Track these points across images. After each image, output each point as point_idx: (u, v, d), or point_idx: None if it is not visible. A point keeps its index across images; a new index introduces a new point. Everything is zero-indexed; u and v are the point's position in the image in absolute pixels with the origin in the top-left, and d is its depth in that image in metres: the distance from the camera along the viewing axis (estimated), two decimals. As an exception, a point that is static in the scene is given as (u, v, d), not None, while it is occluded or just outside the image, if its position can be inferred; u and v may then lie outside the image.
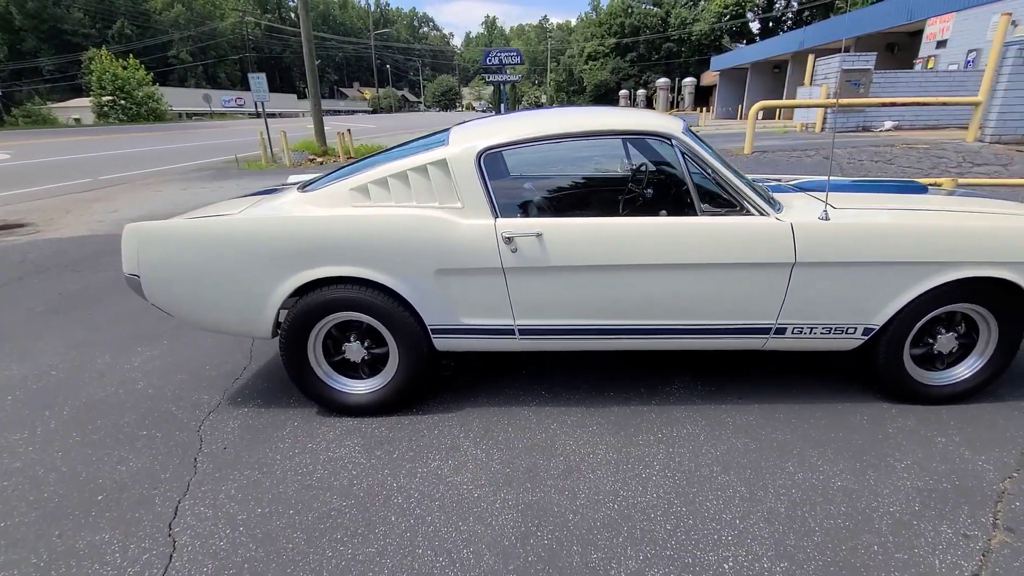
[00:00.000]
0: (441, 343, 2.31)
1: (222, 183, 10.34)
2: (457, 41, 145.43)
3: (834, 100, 8.77)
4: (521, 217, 2.19)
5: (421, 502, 1.86)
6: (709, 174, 2.16)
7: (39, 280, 4.56)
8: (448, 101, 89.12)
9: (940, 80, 11.25)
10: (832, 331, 2.23)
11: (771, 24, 50.74)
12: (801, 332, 2.23)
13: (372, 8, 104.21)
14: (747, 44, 49.16)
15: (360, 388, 2.35)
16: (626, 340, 2.28)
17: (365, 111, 78.70)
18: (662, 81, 18.56)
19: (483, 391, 2.57)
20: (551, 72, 65.19)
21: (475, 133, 2.26)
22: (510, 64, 32.07)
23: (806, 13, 47.13)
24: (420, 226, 2.12)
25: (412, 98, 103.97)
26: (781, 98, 24.41)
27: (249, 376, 2.79)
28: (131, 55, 37.49)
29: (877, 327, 2.20)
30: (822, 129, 10.98)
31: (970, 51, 13.68)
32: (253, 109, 57.11)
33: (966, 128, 9.11)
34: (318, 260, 2.14)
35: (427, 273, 2.15)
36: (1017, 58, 6.58)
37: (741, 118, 27.32)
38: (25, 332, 3.44)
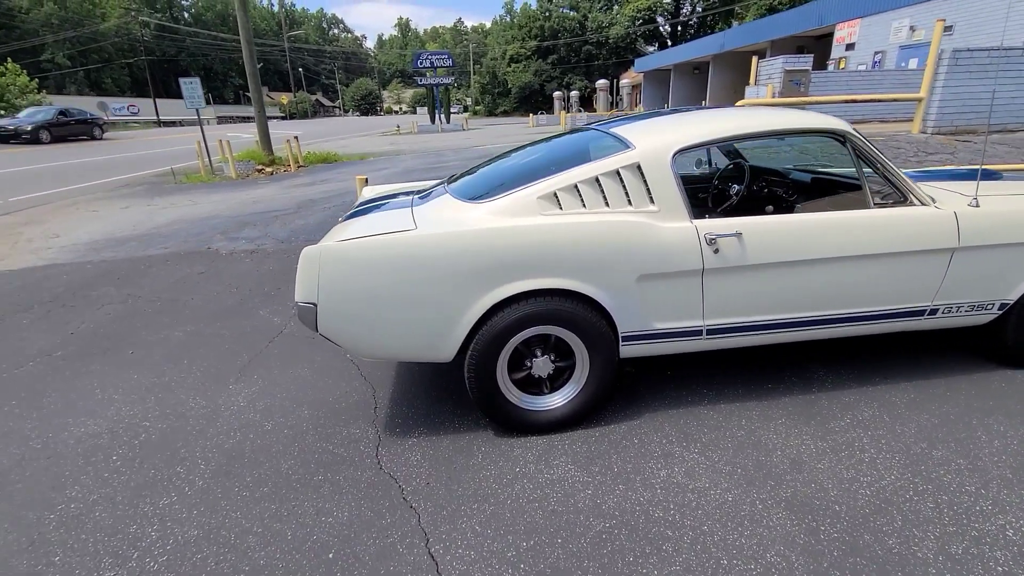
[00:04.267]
0: (628, 350, 2.28)
1: (169, 199, 9.39)
2: (370, 43, 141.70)
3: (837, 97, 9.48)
4: (712, 218, 2.20)
5: (683, 512, 1.83)
6: (879, 168, 2.29)
7: (28, 320, 3.92)
8: (368, 105, 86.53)
9: (862, 79, 12.60)
10: (975, 308, 2.44)
11: (679, 29, 54.07)
12: (950, 311, 2.43)
13: (276, 8, 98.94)
14: (658, 47, 52.08)
15: (552, 403, 2.26)
16: (801, 332, 2.36)
17: (277, 117, 74.52)
18: (601, 82, 19.34)
19: (646, 394, 2.56)
20: (474, 74, 65.31)
21: (658, 133, 2.24)
22: (441, 66, 31.89)
23: (709, 18, 50.68)
24: (625, 232, 2.07)
25: (327, 102, 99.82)
26: (704, 96, 26.17)
27: (387, 404, 2.58)
28: (8, 59, 32.71)
29: (1012, 301, 2.44)
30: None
31: (876, 52, 15.43)
32: (150, 117, 52.26)
33: (888, 122, 10.22)
34: (521, 273, 2.03)
35: (629, 280, 2.11)
36: (951, 59, 7.53)
37: (668, 117, 28.83)
38: (62, 381, 2.95)
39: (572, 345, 2.22)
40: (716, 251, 2.13)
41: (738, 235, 2.13)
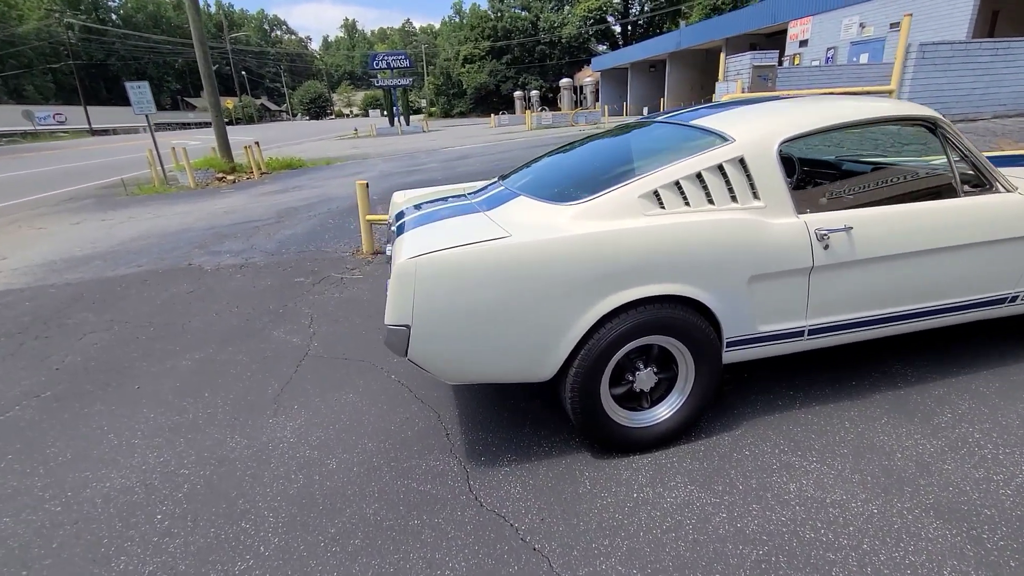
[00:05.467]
0: (731, 355, 2.13)
1: (126, 212, 8.68)
2: (315, 45, 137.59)
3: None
4: (819, 212, 2.08)
5: (834, 531, 1.69)
6: (967, 155, 2.24)
7: None
8: (318, 108, 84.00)
9: (822, 74, 13.12)
10: (1051, 293, 2.44)
11: (629, 28, 55.17)
12: (1030, 298, 2.42)
13: (213, 10, 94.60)
14: (609, 47, 52.98)
15: (658, 416, 2.08)
16: (898, 326, 2.28)
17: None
18: (565, 81, 19.39)
19: (735, 401, 2.42)
20: (428, 76, 64.44)
21: (756, 124, 2.11)
22: (398, 67, 31.24)
23: (657, 18, 51.93)
24: (740, 231, 1.93)
25: (273, 107, 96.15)
26: (663, 94, 26.71)
27: (459, 430, 2.34)
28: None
29: (1083, 285, 2.45)
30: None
31: (828, 48, 16.12)
32: (80, 126, 48.83)
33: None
34: (633, 280, 1.85)
35: (741, 281, 1.97)
36: (919, 53, 7.87)
37: (627, 114, 29.34)
38: (62, 426, 2.55)
39: (676, 354, 2.05)
40: (826, 247, 2.01)
41: (848, 229, 2.03)
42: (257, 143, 13.41)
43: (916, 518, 1.72)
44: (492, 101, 54.20)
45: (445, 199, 2.66)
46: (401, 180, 9.78)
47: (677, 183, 1.97)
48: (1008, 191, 2.27)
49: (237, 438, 2.38)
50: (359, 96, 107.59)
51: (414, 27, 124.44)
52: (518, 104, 28.26)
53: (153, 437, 2.43)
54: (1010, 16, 14.34)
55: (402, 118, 31.30)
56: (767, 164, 2.00)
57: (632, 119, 2.59)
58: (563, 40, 53.02)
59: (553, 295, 1.81)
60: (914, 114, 2.22)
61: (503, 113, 30.25)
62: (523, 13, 55.46)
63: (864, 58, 14.68)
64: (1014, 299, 2.40)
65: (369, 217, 5.06)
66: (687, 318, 1.95)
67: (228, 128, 13.49)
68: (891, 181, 2.31)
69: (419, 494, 1.96)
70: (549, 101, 37.91)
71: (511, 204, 2.19)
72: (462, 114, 59.11)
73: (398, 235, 2.18)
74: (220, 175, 12.22)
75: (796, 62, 17.32)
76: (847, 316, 2.18)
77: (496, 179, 2.81)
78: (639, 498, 1.88)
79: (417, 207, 2.58)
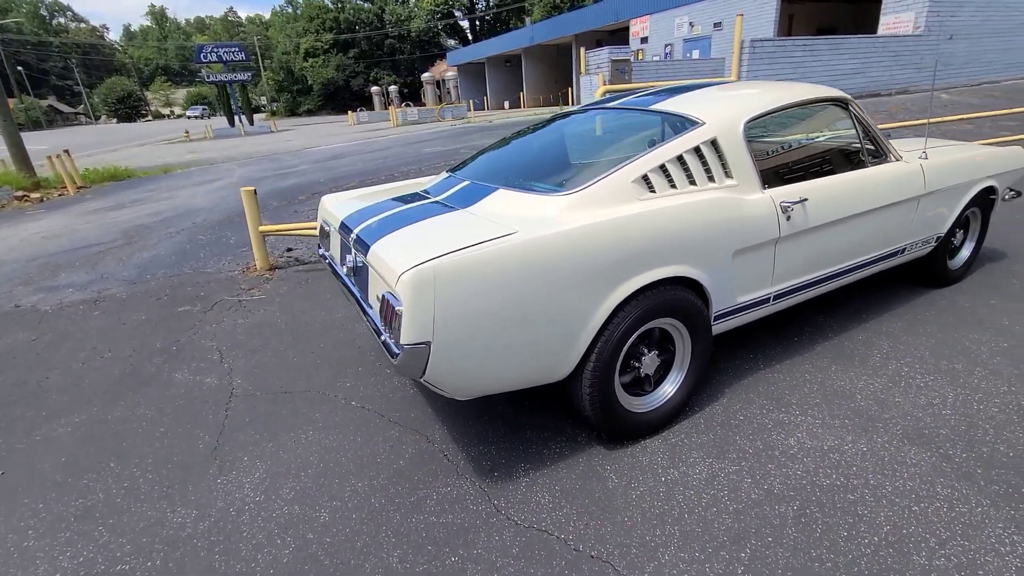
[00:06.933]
0: (716, 327, 2.23)
1: None
2: (114, 35, 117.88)
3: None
4: (778, 187, 2.24)
5: (843, 474, 1.86)
6: (869, 130, 2.59)
7: None
8: (130, 109, 72.22)
9: (667, 67, 14.56)
10: (923, 243, 2.95)
11: (477, 24, 55.94)
12: (912, 249, 2.90)
13: (-36, -12, 76.10)
14: (460, 42, 53.29)
15: (665, 394, 2.11)
16: (835, 282, 2.58)
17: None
18: (427, 76, 19.03)
19: (707, 374, 2.55)
20: (265, 70, 58.80)
21: (719, 106, 2.20)
22: (232, 61, 28.06)
23: (503, 14, 53.38)
24: (725, 209, 2.01)
25: (66, 108, 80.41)
26: (521, 88, 27.58)
27: (455, 449, 2.15)
28: None
29: (943, 234, 3.01)
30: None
31: (666, 45, 17.94)
32: None
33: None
34: (642, 265, 1.83)
35: (727, 257, 2.06)
36: (751, 48, 9.09)
37: (488, 109, 29.80)
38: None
39: (674, 334, 2.09)
40: (788, 218, 2.19)
41: (803, 201, 2.22)
42: (67, 151, 11.08)
43: (897, 449, 1.96)
44: (343, 97, 51.34)
45: (398, 200, 2.40)
46: (275, 185, 8.79)
47: (663, 166, 1.99)
48: (898, 160, 2.68)
49: (181, 510, 1.92)
50: (180, 94, 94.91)
51: (239, 17, 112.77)
52: (376, 100, 27.07)
53: (55, 533, 1.85)
54: (800, 21, 17.30)
55: (244, 117, 28.23)
56: (736, 144, 2.11)
57: (557, 110, 2.60)
58: (412, 34, 52.01)
59: (574, 289, 1.72)
60: (835, 95, 2.52)
61: (361, 110, 28.79)
62: (366, 5, 53.18)
63: (696, 54, 16.65)
64: (903, 251, 2.86)
65: (262, 228, 4.44)
66: (687, 298, 1.99)
67: None
68: (820, 156, 2.60)
69: (443, 527, 1.75)
70: (408, 96, 36.94)
71: (492, 198, 2.03)
72: (310, 112, 55.12)
73: (368, 242, 1.90)
74: (20, 193, 9.89)
75: (640, 57, 19.02)
76: (799, 279, 2.40)
77: (446, 174, 2.61)
78: (668, 481, 1.89)
79: (371, 211, 2.28)
